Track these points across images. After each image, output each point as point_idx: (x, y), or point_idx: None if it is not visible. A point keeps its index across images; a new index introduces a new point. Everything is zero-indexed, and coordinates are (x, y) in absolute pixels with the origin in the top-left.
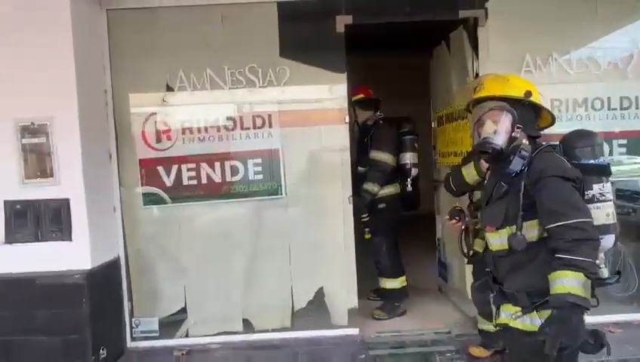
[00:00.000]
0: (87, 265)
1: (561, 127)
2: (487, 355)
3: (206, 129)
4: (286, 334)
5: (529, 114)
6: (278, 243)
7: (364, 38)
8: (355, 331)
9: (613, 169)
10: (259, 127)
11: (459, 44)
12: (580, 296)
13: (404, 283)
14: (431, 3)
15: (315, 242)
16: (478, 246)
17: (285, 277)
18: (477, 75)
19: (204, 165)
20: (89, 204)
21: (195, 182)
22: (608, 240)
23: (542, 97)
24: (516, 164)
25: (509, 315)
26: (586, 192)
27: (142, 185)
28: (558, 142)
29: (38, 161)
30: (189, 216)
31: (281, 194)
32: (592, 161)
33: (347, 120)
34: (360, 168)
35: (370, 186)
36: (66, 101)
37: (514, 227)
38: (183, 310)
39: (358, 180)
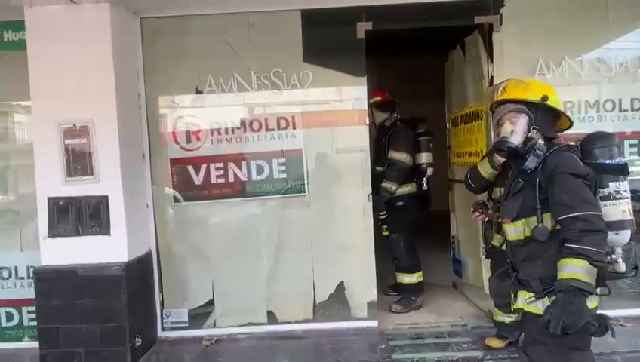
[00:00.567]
0: (124, 257)
1: (573, 128)
2: (503, 346)
3: (233, 130)
4: (308, 325)
5: (546, 116)
6: (301, 239)
7: (381, 41)
8: (374, 323)
9: None
10: (283, 128)
11: (474, 48)
12: (582, 281)
13: (421, 279)
14: (448, 9)
15: (335, 238)
16: (496, 242)
17: (307, 272)
18: (492, 78)
19: (231, 164)
20: (126, 200)
21: (222, 180)
22: (624, 236)
23: (561, 102)
24: (531, 162)
25: (524, 301)
26: (602, 190)
27: (172, 183)
28: (574, 143)
29: (79, 160)
30: (216, 213)
31: (304, 192)
32: (608, 161)
33: (367, 121)
34: (378, 168)
35: (389, 185)
36: (106, 105)
37: (530, 219)
38: (211, 302)
39: (376, 179)
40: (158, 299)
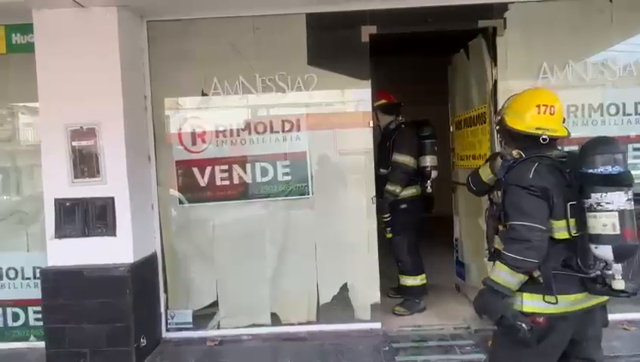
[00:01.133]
0: (130, 258)
1: (577, 132)
2: None
3: (237, 132)
4: (312, 327)
5: (529, 140)
6: (305, 241)
7: (385, 44)
8: (378, 325)
9: None
10: (287, 131)
11: (478, 52)
12: (496, 283)
13: (424, 281)
14: (451, 13)
15: (339, 240)
16: (497, 244)
17: (311, 274)
18: (495, 81)
19: (235, 166)
20: (132, 202)
21: (227, 182)
22: (603, 251)
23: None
24: (501, 172)
25: None
26: (585, 200)
27: (177, 185)
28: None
29: (86, 161)
30: (220, 215)
31: (308, 194)
32: (590, 171)
33: (371, 124)
34: (382, 170)
35: (392, 187)
36: (113, 107)
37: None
38: (215, 303)
39: (380, 182)
40: (162, 299)
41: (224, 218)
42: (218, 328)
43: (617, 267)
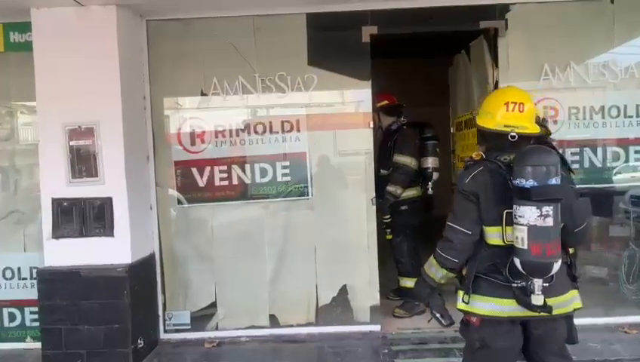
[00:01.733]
0: (127, 259)
1: (578, 134)
2: None
3: (237, 132)
4: (311, 329)
5: (500, 139)
6: (304, 242)
7: (386, 44)
8: (377, 327)
9: (627, 176)
10: (287, 131)
11: (479, 53)
12: (425, 273)
13: None
14: (453, 14)
15: (339, 242)
16: None
17: (310, 275)
18: (497, 83)
19: (234, 167)
20: (130, 202)
21: (226, 183)
22: (516, 263)
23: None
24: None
25: None
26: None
27: (176, 185)
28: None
29: (84, 161)
30: (219, 216)
31: (308, 195)
32: (515, 181)
33: (371, 125)
34: (383, 171)
35: (393, 188)
36: (111, 106)
37: None
38: (213, 304)
39: (381, 183)
40: (160, 300)
41: (223, 218)
42: (216, 329)
43: (537, 282)
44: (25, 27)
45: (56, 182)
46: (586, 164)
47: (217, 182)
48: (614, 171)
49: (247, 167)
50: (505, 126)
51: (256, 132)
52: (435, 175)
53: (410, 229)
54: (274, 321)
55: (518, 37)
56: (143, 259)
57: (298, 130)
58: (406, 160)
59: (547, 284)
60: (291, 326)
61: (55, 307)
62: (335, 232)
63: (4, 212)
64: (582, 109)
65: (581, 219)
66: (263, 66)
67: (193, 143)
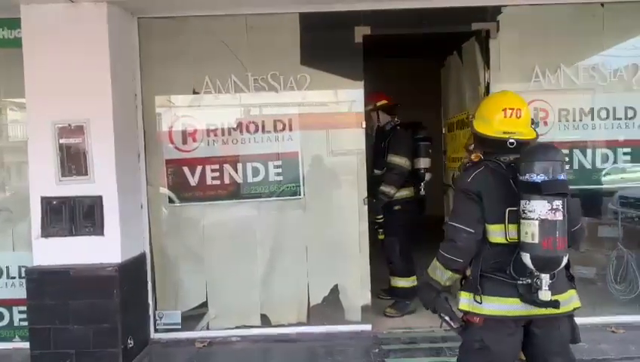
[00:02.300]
0: (117, 258)
1: (568, 135)
2: None
3: (229, 131)
4: (302, 328)
5: (497, 144)
6: (296, 242)
7: (378, 44)
8: (368, 327)
9: (615, 177)
10: (279, 131)
11: (471, 55)
12: (430, 277)
13: (416, 283)
14: (445, 16)
15: (331, 241)
16: None
17: (302, 275)
18: (488, 84)
19: (226, 166)
20: (120, 201)
21: (218, 182)
22: (526, 259)
23: (511, 134)
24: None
25: None
26: (519, 207)
27: (167, 184)
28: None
29: (74, 159)
30: (211, 215)
31: (300, 195)
32: (521, 178)
33: (364, 125)
34: (376, 171)
35: (387, 189)
36: (102, 104)
37: None
38: (204, 304)
39: (374, 183)
40: (151, 300)
41: (215, 218)
42: (207, 329)
43: (544, 277)
44: (14, 23)
45: (45, 180)
46: (576, 165)
47: (209, 182)
48: (603, 172)
49: (240, 166)
50: (503, 133)
51: (248, 131)
52: (428, 176)
53: (403, 229)
54: (265, 321)
55: (509, 39)
56: (133, 259)
57: (290, 130)
58: (400, 161)
59: (551, 281)
60: (283, 325)
61: (44, 306)
62: (327, 232)
63: None
64: (572, 111)
65: (576, 219)
66: (255, 65)
67: (185, 142)
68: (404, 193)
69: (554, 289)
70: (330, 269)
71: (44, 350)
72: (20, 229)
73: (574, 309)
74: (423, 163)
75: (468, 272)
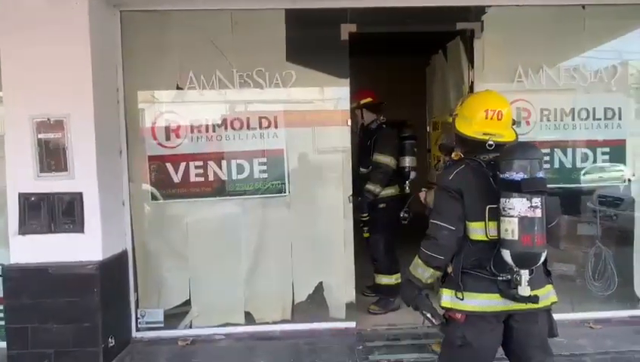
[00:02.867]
0: (98, 256)
1: (549, 135)
2: None
3: (213, 128)
4: (286, 326)
5: (477, 145)
6: (281, 239)
7: (364, 42)
8: (352, 324)
9: (595, 176)
10: (264, 128)
11: (455, 54)
12: (412, 274)
13: (399, 280)
14: (431, 15)
15: (315, 239)
16: None
17: (287, 272)
18: (472, 83)
19: (211, 163)
20: (101, 197)
21: (202, 179)
22: (505, 255)
23: (488, 135)
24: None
25: None
26: (501, 204)
27: (150, 180)
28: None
29: (53, 155)
30: (194, 212)
31: (285, 192)
32: (501, 176)
33: (349, 123)
34: (362, 169)
35: (372, 187)
36: (83, 99)
37: None
38: (187, 302)
39: (360, 181)
40: (133, 298)
41: (198, 215)
42: (190, 327)
43: (524, 273)
44: None
45: (23, 176)
46: (556, 165)
47: (193, 178)
48: (583, 172)
49: (224, 163)
50: (483, 134)
51: (233, 128)
52: (413, 174)
53: (388, 227)
54: (249, 319)
55: (493, 39)
56: (114, 256)
57: (276, 127)
58: (386, 159)
59: (530, 277)
60: (267, 323)
61: (22, 305)
62: (312, 230)
63: None
64: (553, 111)
65: (554, 216)
66: (240, 61)
67: (168, 138)
68: (389, 191)
69: (532, 284)
70: (314, 267)
71: (22, 350)
72: None
73: (552, 304)
74: (409, 161)
75: (449, 269)
